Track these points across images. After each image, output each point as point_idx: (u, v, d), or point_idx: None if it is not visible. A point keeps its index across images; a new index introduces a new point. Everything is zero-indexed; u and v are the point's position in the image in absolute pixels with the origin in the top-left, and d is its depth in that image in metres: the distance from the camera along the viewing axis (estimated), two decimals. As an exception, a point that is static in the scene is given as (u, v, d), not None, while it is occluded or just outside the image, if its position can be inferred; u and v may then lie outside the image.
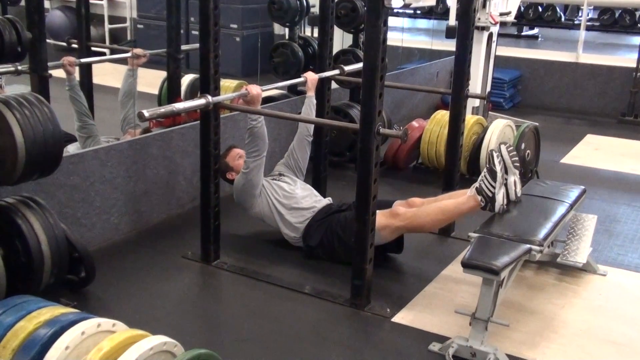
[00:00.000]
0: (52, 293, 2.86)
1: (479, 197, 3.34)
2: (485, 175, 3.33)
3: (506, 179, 3.34)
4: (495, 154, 3.32)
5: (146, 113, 3.00)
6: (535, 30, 11.47)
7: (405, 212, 3.49)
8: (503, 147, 3.37)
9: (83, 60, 4.69)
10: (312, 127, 4.09)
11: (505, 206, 3.31)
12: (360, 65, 3.66)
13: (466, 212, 3.45)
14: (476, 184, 3.37)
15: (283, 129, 4.82)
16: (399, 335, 3.01)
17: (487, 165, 3.35)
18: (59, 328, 2.12)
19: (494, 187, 3.30)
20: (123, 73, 4.64)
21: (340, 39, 5.90)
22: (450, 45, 4.60)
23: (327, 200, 3.86)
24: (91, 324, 2.12)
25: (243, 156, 3.86)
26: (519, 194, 3.39)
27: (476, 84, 5.79)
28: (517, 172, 3.38)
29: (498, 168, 3.30)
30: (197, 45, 3.43)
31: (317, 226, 3.65)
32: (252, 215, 3.84)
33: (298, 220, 3.70)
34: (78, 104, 4.19)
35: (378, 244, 3.27)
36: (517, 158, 3.38)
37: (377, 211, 3.22)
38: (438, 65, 7.40)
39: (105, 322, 2.16)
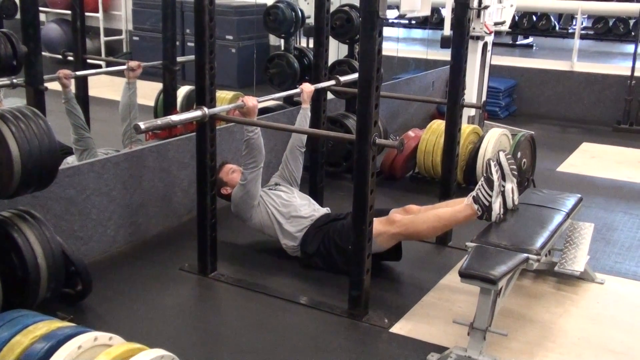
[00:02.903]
0: (48, 307, 2.84)
1: (476, 206, 3.34)
2: (482, 184, 3.33)
3: (504, 187, 3.34)
4: (492, 163, 3.32)
5: (142, 125, 3.01)
6: (530, 39, 11.52)
7: (402, 219, 3.48)
8: (502, 155, 3.37)
9: (79, 73, 4.69)
10: (305, 137, 4.09)
11: (502, 215, 3.31)
12: (355, 75, 3.67)
13: (462, 220, 3.45)
14: (473, 193, 3.37)
15: (279, 139, 4.82)
16: (397, 346, 3.00)
17: (485, 174, 3.35)
18: (56, 342, 2.11)
19: (490, 196, 3.30)
20: (119, 85, 4.64)
21: (336, 50, 5.92)
22: (446, 54, 4.62)
23: (325, 210, 3.86)
24: (88, 338, 2.11)
25: (236, 170, 3.86)
26: (516, 202, 3.39)
27: (472, 93, 5.81)
28: (514, 179, 3.38)
29: (495, 177, 3.30)
30: (192, 57, 3.44)
31: (315, 234, 3.65)
32: (252, 227, 3.83)
33: (297, 229, 3.70)
34: (74, 117, 4.17)
35: (375, 251, 3.27)
36: (515, 166, 3.39)
37: (374, 218, 3.22)
38: (433, 75, 7.42)
39: (102, 336, 2.15)
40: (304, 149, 4.08)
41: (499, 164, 3.34)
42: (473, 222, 3.45)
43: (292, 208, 3.75)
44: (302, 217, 3.72)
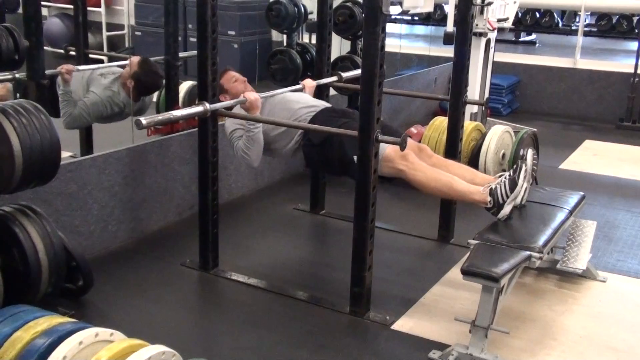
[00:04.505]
0: (49, 302, 2.84)
1: (489, 198, 3.29)
2: (505, 182, 3.29)
3: (520, 187, 3.30)
4: (524, 168, 3.28)
5: (144, 121, 2.99)
6: (533, 36, 11.48)
7: (415, 163, 3.40)
8: (530, 153, 3.34)
9: (81, 67, 4.68)
10: None
11: (509, 215, 3.28)
12: (358, 71, 3.65)
13: (470, 202, 3.40)
14: (493, 184, 3.32)
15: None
16: (399, 343, 3.00)
17: (511, 174, 3.30)
18: (57, 338, 2.11)
19: (507, 197, 3.25)
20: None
21: (338, 46, 5.90)
22: (448, 51, 4.61)
23: (327, 104, 3.81)
24: (89, 334, 2.11)
25: (239, 80, 3.88)
26: (524, 202, 3.37)
27: (474, 90, 5.79)
28: (530, 181, 3.36)
29: (520, 183, 3.26)
30: (195, 52, 3.43)
31: (325, 120, 3.55)
32: None
33: (303, 119, 3.61)
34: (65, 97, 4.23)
35: None
36: (536, 167, 3.35)
37: (389, 145, 3.17)
38: (436, 72, 7.40)
39: (103, 332, 2.15)
40: None
41: (526, 162, 3.29)
42: (475, 216, 3.44)
43: (291, 112, 3.68)
44: (306, 107, 3.67)
